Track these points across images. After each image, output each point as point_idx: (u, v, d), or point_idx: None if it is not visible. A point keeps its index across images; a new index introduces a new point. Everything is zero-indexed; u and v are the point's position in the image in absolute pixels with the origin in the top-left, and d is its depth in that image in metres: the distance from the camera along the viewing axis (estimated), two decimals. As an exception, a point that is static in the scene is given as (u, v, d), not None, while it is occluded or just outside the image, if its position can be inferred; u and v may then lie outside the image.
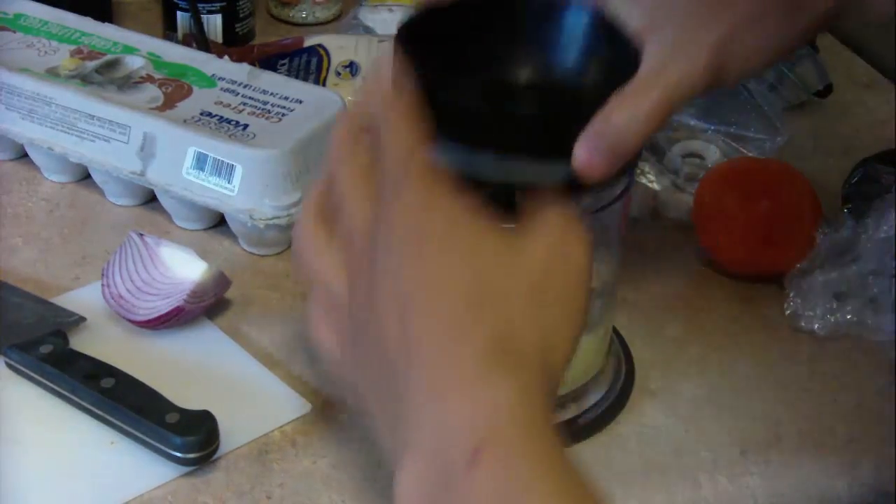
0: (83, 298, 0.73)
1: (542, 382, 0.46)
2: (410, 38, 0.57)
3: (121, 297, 0.71)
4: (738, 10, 0.54)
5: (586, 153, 0.54)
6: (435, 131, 0.53)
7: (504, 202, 0.53)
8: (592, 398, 0.68)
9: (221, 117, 0.80)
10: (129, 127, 0.80)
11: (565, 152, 0.55)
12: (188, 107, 0.82)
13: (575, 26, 0.61)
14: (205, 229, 0.82)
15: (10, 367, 0.68)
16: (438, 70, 0.56)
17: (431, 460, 0.44)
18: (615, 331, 0.72)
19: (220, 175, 0.77)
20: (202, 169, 0.78)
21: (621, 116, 0.54)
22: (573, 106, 0.60)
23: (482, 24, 0.62)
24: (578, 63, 0.62)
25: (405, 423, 0.46)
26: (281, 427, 0.66)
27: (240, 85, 0.84)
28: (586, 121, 0.55)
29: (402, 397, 0.46)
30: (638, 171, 0.83)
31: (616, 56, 0.59)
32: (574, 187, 0.55)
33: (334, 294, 0.51)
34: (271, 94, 0.83)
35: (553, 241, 0.49)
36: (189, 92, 0.83)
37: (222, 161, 0.77)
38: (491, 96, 0.58)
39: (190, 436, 0.62)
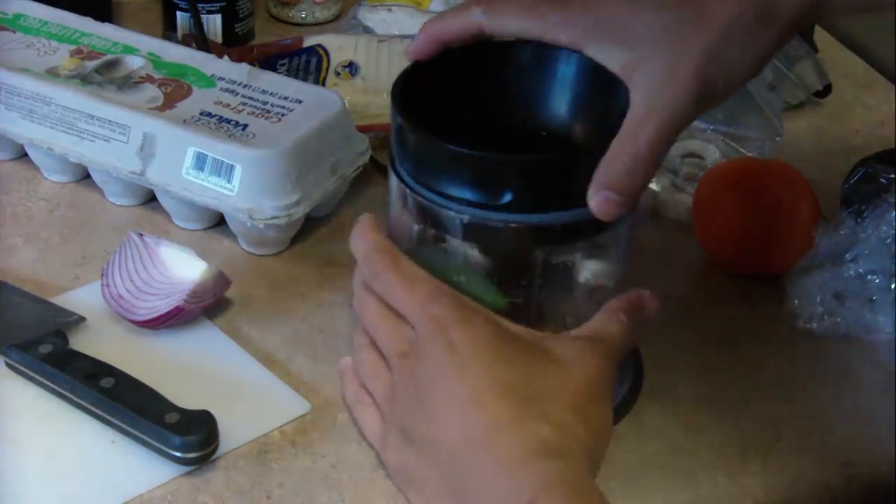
0: (83, 298, 0.73)
1: (588, 467, 0.55)
2: (405, 91, 0.61)
3: (120, 296, 0.71)
4: (713, 29, 0.55)
5: (599, 201, 0.57)
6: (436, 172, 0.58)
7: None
8: None
9: (221, 117, 0.80)
10: (129, 127, 0.80)
11: (564, 194, 0.58)
12: (188, 107, 0.82)
13: (564, 73, 0.64)
14: (204, 229, 0.82)
15: (9, 366, 0.68)
16: (433, 120, 0.60)
17: None
18: None
19: (219, 175, 0.77)
20: (202, 169, 0.78)
21: (624, 160, 0.56)
22: (567, 149, 0.63)
23: (473, 72, 0.64)
24: (570, 108, 0.65)
25: (470, 501, 0.55)
26: (281, 427, 0.66)
27: (239, 85, 0.84)
28: (582, 163, 0.58)
29: (465, 483, 0.55)
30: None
31: (607, 98, 0.61)
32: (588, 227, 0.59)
33: (386, 394, 0.61)
34: (271, 94, 0.83)
35: (588, 366, 0.58)
36: (189, 92, 0.83)
37: (222, 161, 0.77)
38: (485, 143, 0.59)
39: (189, 435, 0.62)
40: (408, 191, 0.61)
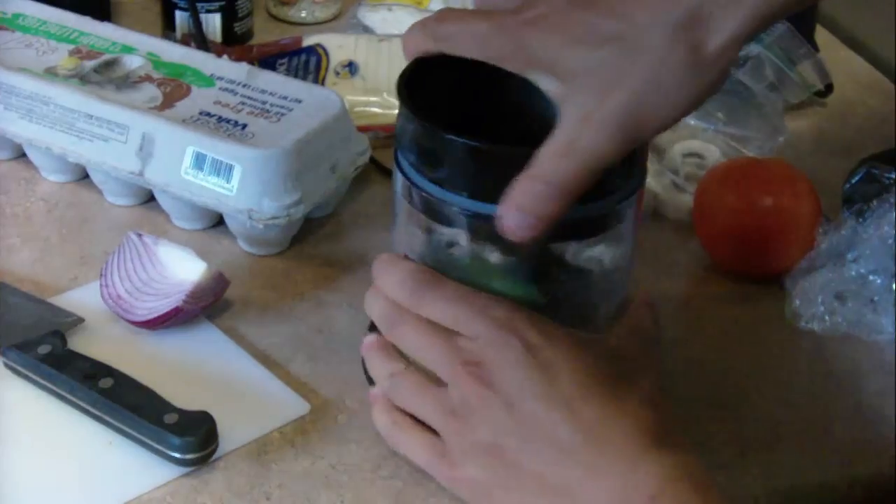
0: (81, 299, 0.73)
1: (696, 461, 0.56)
2: (410, 86, 0.61)
3: (119, 297, 0.71)
4: (643, 72, 0.55)
5: (510, 221, 0.56)
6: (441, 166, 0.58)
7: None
8: None
9: (220, 117, 0.80)
10: (128, 127, 0.80)
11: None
12: (187, 106, 0.81)
13: None
14: (204, 229, 0.82)
15: (8, 367, 0.68)
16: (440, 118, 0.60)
17: None
18: None
19: (218, 175, 0.77)
20: (201, 169, 0.78)
21: (539, 186, 0.56)
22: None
23: (473, 74, 0.63)
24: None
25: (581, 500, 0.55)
26: (280, 427, 0.66)
27: (239, 84, 0.84)
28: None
29: (579, 484, 0.55)
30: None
31: None
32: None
33: (442, 409, 0.59)
34: (270, 93, 0.82)
35: (648, 356, 0.60)
36: (188, 91, 0.83)
37: (221, 161, 0.77)
38: (486, 139, 0.59)
39: (189, 436, 0.62)
40: (427, 197, 0.60)
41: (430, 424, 0.60)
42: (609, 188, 0.60)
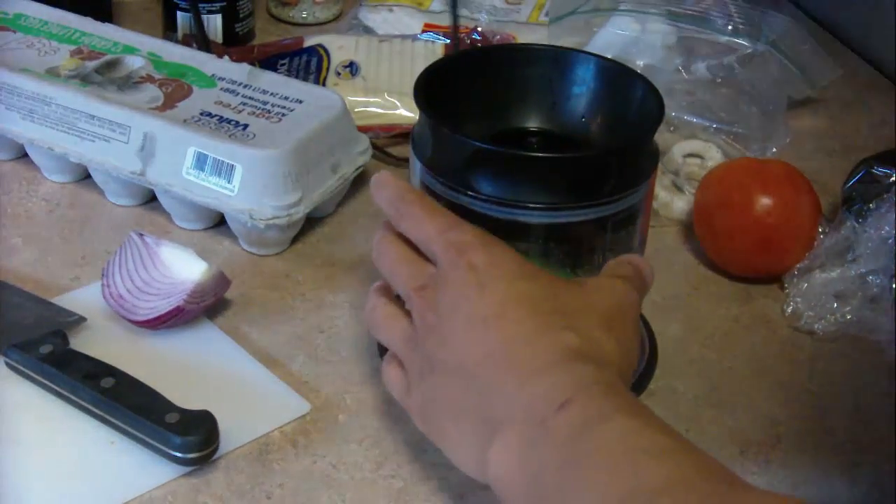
0: (83, 298, 0.74)
1: (619, 378, 0.54)
2: (427, 86, 0.64)
3: (121, 297, 0.71)
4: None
5: None
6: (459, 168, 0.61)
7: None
8: None
9: (221, 117, 0.80)
10: (129, 127, 0.80)
11: (576, 190, 0.61)
12: (188, 107, 0.82)
13: (584, 73, 0.68)
14: (205, 229, 0.82)
15: (10, 367, 0.68)
16: (455, 115, 0.63)
17: (524, 424, 0.51)
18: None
19: (219, 175, 0.77)
20: (202, 169, 0.78)
21: None
22: (581, 147, 0.67)
23: (490, 70, 0.68)
24: (587, 106, 0.68)
25: (494, 417, 0.53)
26: (281, 427, 0.66)
27: (240, 85, 0.84)
28: (594, 159, 0.62)
29: (490, 399, 0.53)
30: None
31: (624, 93, 0.66)
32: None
33: (403, 338, 0.59)
34: (271, 94, 0.83)
35: (614, 289, 0.59)
36: (189, 92, 0.83)
37: (222, 161, 0.77)
38: (502, 139, 0.63)
39: (190, 436, 0.62)
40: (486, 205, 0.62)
41: (396, 355, 0.60)
42: (644, 176, 0.64)
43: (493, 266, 0.56)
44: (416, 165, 0.64)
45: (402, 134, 0.90)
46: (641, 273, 0.61)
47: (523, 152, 0.61)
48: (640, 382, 0.70)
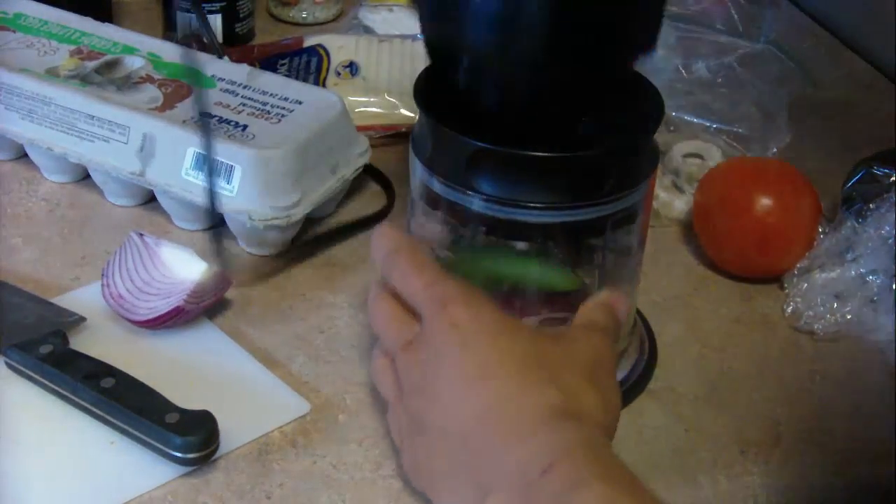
0: (83, 298, 0.74)
1: (602, 435, 0.55)
2: (427, 86, 0.64)
3: (121, 297, 0.71)
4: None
5: None
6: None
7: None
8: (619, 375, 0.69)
9: (221, 118, 0.80)
10: (129, 127, 0.80)
11: (579, 191, 0.61)
12: (188, 107, 0.82)
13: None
14: (204, 229, 0.82)
15: (10, 367, 0.68)
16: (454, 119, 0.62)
17: (510, 491, 0.52)
18: (638, 312, 0.73)
19: (219, 176, 0.77)
20: (202, 169, 0.78)
21: None
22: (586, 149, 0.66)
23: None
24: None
25: (484, 482, 0.53)
26: (281, 427, 0.66)
27: (239, 85, 0.84)
28: (594, 159, 0.61)
29: (479, 463, 0.54)
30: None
31: (625, 100, 0.65)
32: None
33: (395, 394, 0.60)
34: (271, 94, 0.83)
35: (591, 342, 0.59)
36: (189, 92, 0.83)
37: (222, 162, 0.77)
38: (504, 140, 0.62)
39: (190, 436, 0.62)
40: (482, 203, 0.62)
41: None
42: (644, 176, 0.64)
43: (475, 321, 0.56)
44: (416, 165, 0.64)
45: (402, 134, 0.90)
46: (615, 313, 0.61)
47: (523, 152, 0.61)
48: (639, 382, 0.70)
